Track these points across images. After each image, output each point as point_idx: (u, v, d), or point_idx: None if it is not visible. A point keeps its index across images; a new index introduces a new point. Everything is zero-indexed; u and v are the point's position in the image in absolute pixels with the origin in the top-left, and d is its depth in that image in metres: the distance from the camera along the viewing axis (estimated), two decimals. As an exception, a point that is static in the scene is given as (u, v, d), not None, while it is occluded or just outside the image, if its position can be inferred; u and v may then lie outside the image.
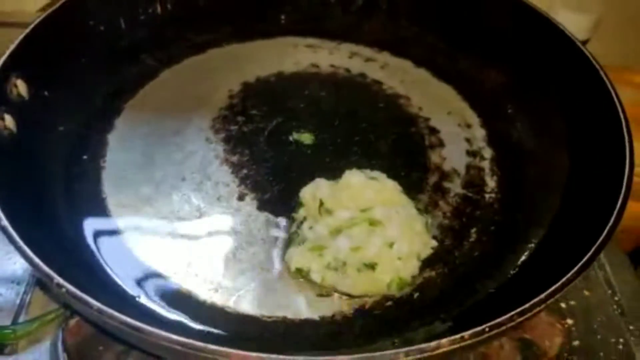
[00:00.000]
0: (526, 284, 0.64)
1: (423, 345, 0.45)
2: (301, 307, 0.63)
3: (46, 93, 0.77)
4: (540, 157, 0.78)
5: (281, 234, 0.69)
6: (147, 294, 0.62)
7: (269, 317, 0.62)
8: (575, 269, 0.53)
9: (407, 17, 0.97)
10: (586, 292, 0.75)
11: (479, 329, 0.47)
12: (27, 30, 0.75)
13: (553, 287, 0.51)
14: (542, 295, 0.50)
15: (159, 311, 0.61)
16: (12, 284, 0.72)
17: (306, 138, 0.80)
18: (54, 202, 0.69)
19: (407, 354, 0.44)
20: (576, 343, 0.70)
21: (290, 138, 0.81)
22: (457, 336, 0.46)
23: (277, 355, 0.46)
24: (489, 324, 0.47)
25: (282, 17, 0.99)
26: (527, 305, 0.49)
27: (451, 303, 0.64)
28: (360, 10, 0.99)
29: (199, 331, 0.59)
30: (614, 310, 0.73)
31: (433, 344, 0.45)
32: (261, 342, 0.59)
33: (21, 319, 0.68)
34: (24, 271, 0.73)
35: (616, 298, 0.75)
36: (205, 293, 0.63)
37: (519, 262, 0.67)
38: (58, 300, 0.66)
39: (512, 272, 0.67)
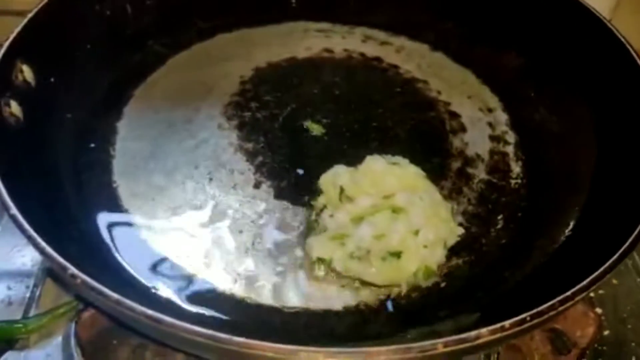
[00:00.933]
0: (556, 272, 0.62)
1: (463, 336, 0.43)
2: (324, 297, 0.61)
3: (52, 80, 0.74)
4: (567, 140, 0.75)
5: (300, 223, 0.67)
6: (162, 286, 0.59)
7: (291, 308, 0.59)
8: (618, 253, 0.50)
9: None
10: (614, 281, 0.72)
11: (520, 318, 0.44)
12: (32, 14, 0.72)
13: (596, 273, 0.48)
14: (585, 282, 0.47)
15: (176, 303, 0.58)
16: (22, 277, 0.70)
17: (316, 129, 0.78)
18: (63, 191, 0.66)
19: (445, 345, 0.42)
20: (606, 333, 0.68)
21: (305, 125, 0.78)
22: (498, 326, 0.43)
23: (305, 346, 0.43)
24: (530, 313, 0.44)
25: (293, 0, 0.96)
26: (569, 293, 0.46)
27: (479, 292, 0.61)
28: (373, -7, 0.96)
29: (219, 323, 0.57)
30: (644, 299, 0.71)
31: (473, 334, 0.43)
32: (283, 334, 0.57)
33: (32, 312, 0.66)
34: (33, 264, 0.70)
35: (646, 286, 0.72)
36: (223, 284, 0.61)
37: (549, 250, 0.65)
38: (70, 291, 0.63)
39: (541, 259, 0.64)
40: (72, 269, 0.46)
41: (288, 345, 0.42)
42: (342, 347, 0.46)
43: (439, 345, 0.42)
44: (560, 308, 0.45)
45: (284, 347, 0.41)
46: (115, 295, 0.44)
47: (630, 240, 0.51)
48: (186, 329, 0.42)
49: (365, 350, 0.42)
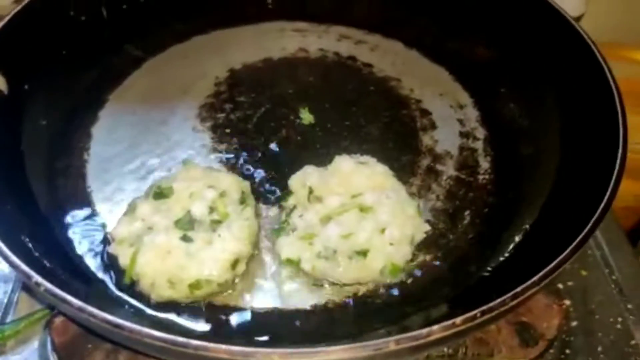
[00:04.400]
0: (521, 266, 0.63)
1: (414, 333, 0.44)
2: (292, 297, 0.62)
3: (26, 87, 0.75)
4: (534, 136, 0.76)
5: (271, 223, 0.68)
6: (132, 292, 0.60)
7: (260, 309, 0.61)
8: (568, 250, 0.51)
9: (397, -1, 0.95)
10: (583, 272, 0.74)
11: (471, 314, 0.45)
12: (4, 22, 0.73)
13: (545, 270, 0.49)
14: (535, 278, 0.49)
15: (144, 309, 0.59)
16: (-1, 283, 0.71)
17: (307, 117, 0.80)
18: (36, 198, 0.67)
19: (397, 342, 0.43)
20: (574, 324, 0.69)
21: (283, 122, 0.79)
22: (449, 322, 0.45)
23: (259, 348, 0.44)
24: (480, 309, 0.46)
25: (269, 1, 0.96)
26: (519, 289, 0.47)
27: (446, 287, 0.62)
28: (348, -8, 0.97)
29: (185, 328, 0.58)
30: (612, 290, 0.72)
31: (424, 331, 0.44)
32: (251, 335, 0.58)
33: (9, 319, 0.67)
34: (10, 270, 0.71)
35: (614, 277, 0.73)
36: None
37: (514, 244, 0.66)
38: (42, 300, 0.64)
39: (506, 254, 0.65)
40: (36, 277, 0.47)
41: (242, 347, 0.43)
42: (303, 347, 0.48)
43: (391, 343, 0.43)
44: (512, 303, 0.47)
45: (239, 349, 0.43)
46: (77, 302, 0.46)
47: (579, 238, 0.52)
48: (146, 334, 0.43)
49: (319, 350, 0.44)
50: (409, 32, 0.93)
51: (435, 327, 0.44)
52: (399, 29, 0.93)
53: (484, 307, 0.46)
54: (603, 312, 0.70)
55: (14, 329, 0.65)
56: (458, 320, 0.45)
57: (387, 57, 0.90)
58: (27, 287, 0.67)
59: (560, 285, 0.71)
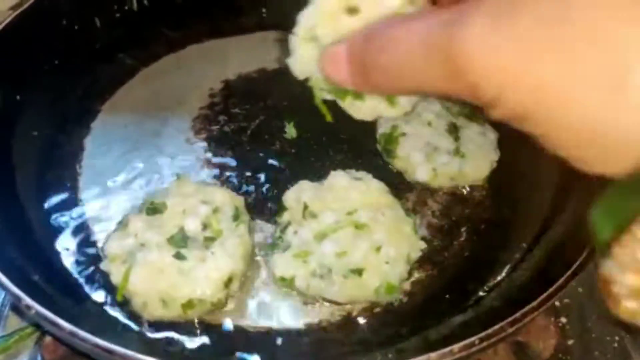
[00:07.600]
0: (519, 286, 0.62)
1: (412, 361, 0.43)
2: (286, 315, 0.61)
3: (18, 97, 0.74)
4: (533, 151, 0.75)
5: (266, 239, 0.67)
6: (126, 312, 0.59)
7: (253, 328, 0.60)
8: (569, 272, 0.51)
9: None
10: (580, 289, 0.73)
11: (469, 341, 0.45)
12: (-4, 32, 0.72)
13: (545, 294, 0.49)
14: (534, 303, 0.48)
15: (137, 329, 0.58)
16: (-12, 298, 0.70)
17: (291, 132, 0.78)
18: (26, 211, 0.66)
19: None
20: (570, 342, 0.68)
21: (278, 134, 0.78)
22: (447, 350, 0.44)
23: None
24: (479, 336, 0.45)
25: (263, 10, 0.95)
26: (518, 314, 0.47)
27: (442, 306, 0.62)
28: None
29: (181, 347, 0.57)
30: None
31: (422, 358, 0.43)
32: (244, 354, 0.57)
33: (-1, 333, 0.66)
34: (-1, 284, 0.70)
35: (611, 294, 0.73)
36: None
37: (511, 261, 0.65)
38: (28, 321, 0.63)
39: (504, 273, 0.64)
40: (27, 300, 0.46)
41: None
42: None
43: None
44: (510, 330, 0.46)
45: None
46: (68, 326, 0.44)
47: (582, 257, 0.51)
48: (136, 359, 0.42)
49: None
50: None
51: (433, 355, 0.43)
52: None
53: (482, 334, 0.45)
54: (600, 330, 0.70)
55: (4, 345, 0.64)
56: (456, 347, 0.44)
57: (383, 68, 0.89)
58: (15, 310, 0.65)
59: (556, 303, 0.71)
